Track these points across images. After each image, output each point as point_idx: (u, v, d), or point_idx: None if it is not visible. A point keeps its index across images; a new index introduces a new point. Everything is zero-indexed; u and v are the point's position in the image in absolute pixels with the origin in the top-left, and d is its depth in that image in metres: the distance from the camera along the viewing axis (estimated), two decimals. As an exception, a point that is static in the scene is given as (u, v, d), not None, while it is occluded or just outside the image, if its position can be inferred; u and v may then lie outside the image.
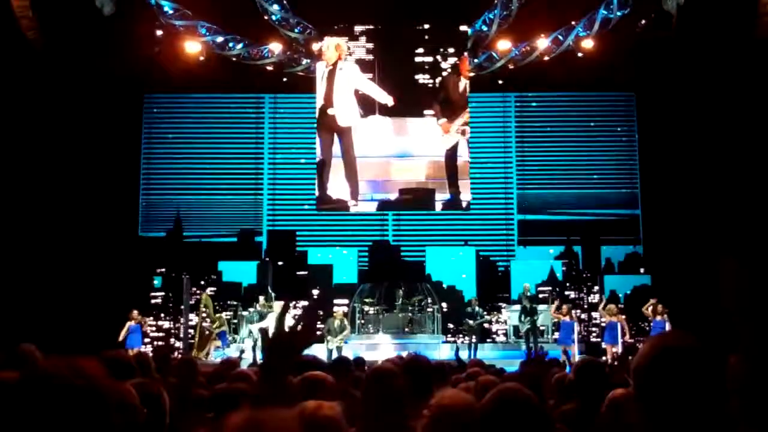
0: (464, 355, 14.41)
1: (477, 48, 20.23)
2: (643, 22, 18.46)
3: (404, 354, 8.63)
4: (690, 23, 17.03)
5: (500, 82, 20.72)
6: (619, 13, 18.86)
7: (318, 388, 3.55)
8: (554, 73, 19.78)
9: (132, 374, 3.79)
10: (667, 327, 15.76)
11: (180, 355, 17.65)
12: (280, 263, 21.25)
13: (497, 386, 2.79)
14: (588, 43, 19.20)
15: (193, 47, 19.06)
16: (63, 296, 16.16)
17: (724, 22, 16.23)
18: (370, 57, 20.11)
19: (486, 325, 19.69)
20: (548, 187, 21.58)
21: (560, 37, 19.54)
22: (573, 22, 19.39)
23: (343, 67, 19.72)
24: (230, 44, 19.69)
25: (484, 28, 19.93)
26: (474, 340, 17.97)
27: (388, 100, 19.54)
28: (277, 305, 16.95)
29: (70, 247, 17.06)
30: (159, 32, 18.66)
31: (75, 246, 17.17)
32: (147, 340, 17.93)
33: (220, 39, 19.56)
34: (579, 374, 4.66)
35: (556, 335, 18.56)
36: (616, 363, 6.69)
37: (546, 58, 19.73)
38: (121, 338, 16.50)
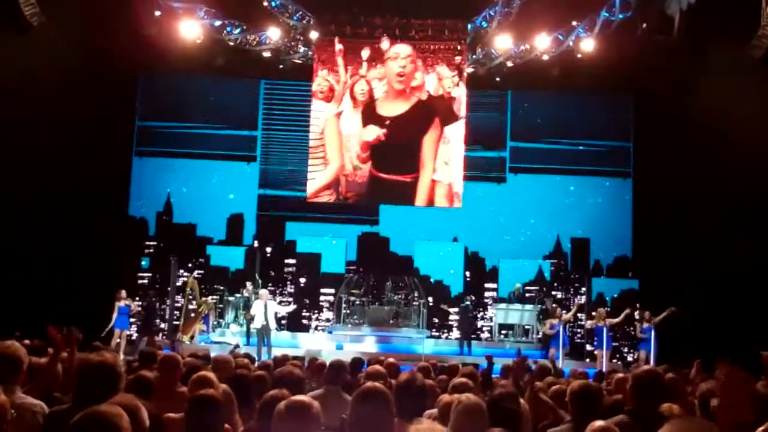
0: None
1: (476, 44, 20.14)
2: (645, 25, 18.38)
3: (392, 359, 8.59)
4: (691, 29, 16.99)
5: (497, 79, 20.61)
6: (620, 16, 18.78)
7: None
8: (552, 73, 19.71)
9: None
10: (653, 335, 15.76)
11: (164, 338, 17.67)
12: (268, 249, 21.15)
13: None
14: (588, 45, 19.11)
15: (190, 29, 18.88)
16: (50, 276, 16.05)
17: (725, 30, 16.16)
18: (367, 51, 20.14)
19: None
20: (542, 187, 21.56)
21: (560, 37, 19.46)
22: (574, 23, 19.29)
23: None
24: (228, 28, 19.52)
25: (484, 25, 19.83)
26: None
27: None
28: (263, 293, 16.86)
29: (59, 226, 16.94)
30: (157, 12, 18.47)
31: (64, 225, 17.04)
32: (132, 320, 17.81)
33: (218, 23, 19.39)
34: (575, 400, 4.59)
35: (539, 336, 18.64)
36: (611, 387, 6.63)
37: (545, 57, 19.65)
38: (112, 322, 16.40)
